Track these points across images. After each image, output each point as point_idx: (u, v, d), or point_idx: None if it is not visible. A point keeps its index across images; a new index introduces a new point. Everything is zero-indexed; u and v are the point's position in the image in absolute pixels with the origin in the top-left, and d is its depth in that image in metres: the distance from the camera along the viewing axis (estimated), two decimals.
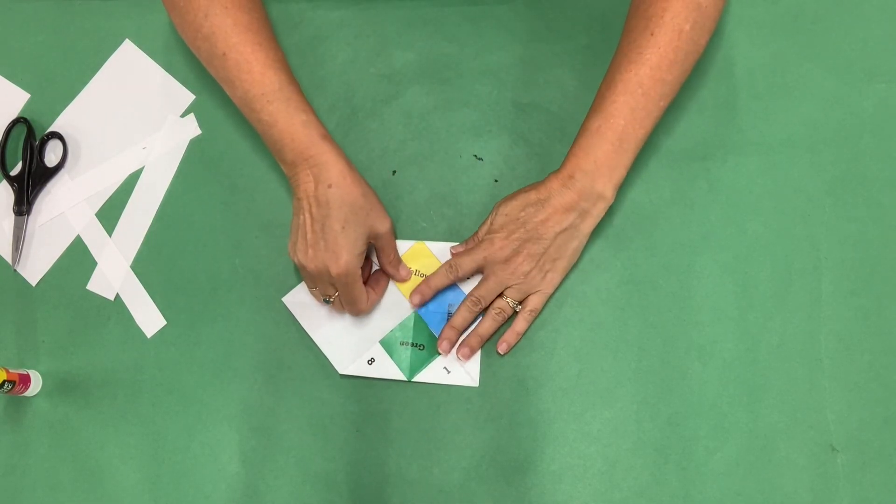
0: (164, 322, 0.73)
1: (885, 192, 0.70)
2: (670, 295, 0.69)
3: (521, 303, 0.69)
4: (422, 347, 0.70)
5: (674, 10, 0.63)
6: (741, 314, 0.68)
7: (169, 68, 0.79)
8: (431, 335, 0.70)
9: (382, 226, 0.67)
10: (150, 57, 0.79)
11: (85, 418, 0.72)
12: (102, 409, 0.72)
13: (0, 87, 0.80)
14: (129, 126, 0.78)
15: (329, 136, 0.66)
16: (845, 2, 0.74)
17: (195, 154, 0.77)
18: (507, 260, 0.66)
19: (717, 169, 0.71)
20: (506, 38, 0.76)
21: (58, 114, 0.79)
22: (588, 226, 0.66)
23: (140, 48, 0.80)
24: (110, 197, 0.77)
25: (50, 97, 0.80)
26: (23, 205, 0.76)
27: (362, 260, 0.66)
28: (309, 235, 0.64)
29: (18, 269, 0.76)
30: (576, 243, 0.67)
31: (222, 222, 0.75)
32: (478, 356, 0.69)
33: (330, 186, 0.63)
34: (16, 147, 0.78)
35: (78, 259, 0.76)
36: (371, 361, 0.70)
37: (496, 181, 0.73)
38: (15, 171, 0.78)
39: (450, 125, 0.75)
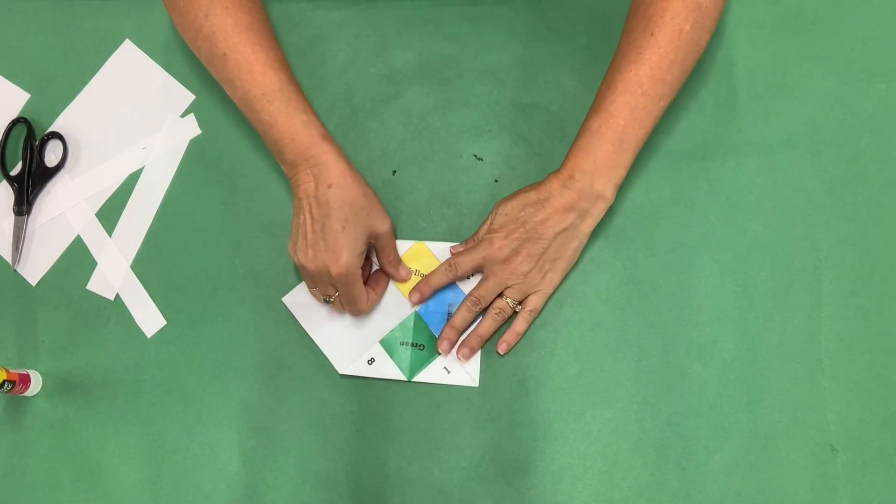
0: (164, 322, 0.73)
1: (885, 192, 0.70)
2: (670, 295, 0.69)
3: (520, 303, 0.69)
4: (422, 347, 0.70)
5: (674, 10, 0.63)
6: (741, 314, 0.68)
7: (169, 68, 0.79)
8: (431, 335, 0.70)
9: (382, 226, 0.67)
10: (150, 57, 0.80)
11: (85, 418, 0.72)
12: (102, 409, 0.72)
13: (0, 87, 0.80)
14: (129, 126, 0.78)
15: (329, 137, 0.66)
16: (845, 2, 0.74)
17: (195, 154, 0.77)
18: (506, 260, 0.66)
19: (717, 169, 0.71)
20: (506, 38, 0.76)
21: (58, 114, 0.79)
22: (588, 226, 0.66)
23: (140, 48, 0.80)
24: (110, 197, 0.77)
25: (50, 97, 0.80)
26: (23, 205, 0.76)
27: (362, 260, 0.66)
28: (309, 235, 0.64)
29: (18, 269, 0.76)
30: (575, 243, 0.67)
31: (222, 222, 0.75)
32: (478, 356, 0.69)
33: (330, 186, 0.63)
34: (16, 147, 0.78)
35: (78, 259, 0.76)
36: (371, 361, 0.70)
37: (496, 181, 0.73)
38: (15, 171, 0.78)
39: (450, 125, 0.75)
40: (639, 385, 0.68)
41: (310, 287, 0.69)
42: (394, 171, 0.74)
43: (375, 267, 0.72)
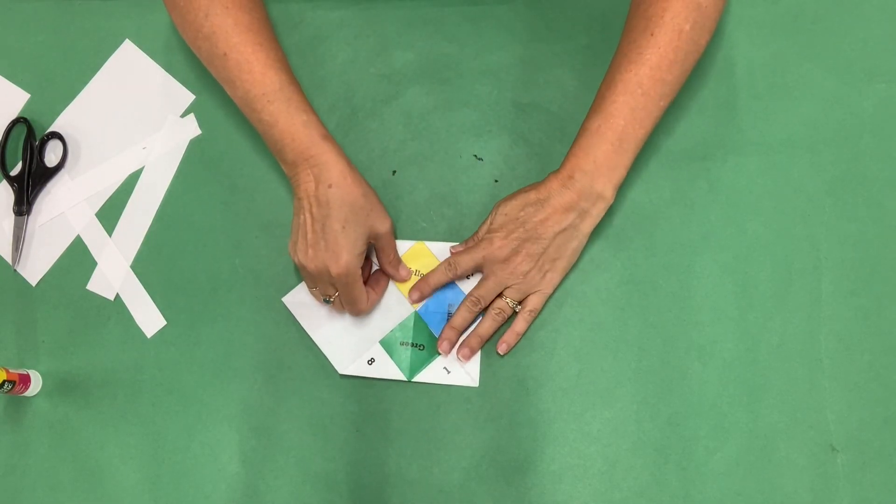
0: (164, 322, 0.73)
1: (885, 192, 0.70)
2: (670, 295, 0.69)
3: (520, 303, 0.69)
4: (422, 347, 0.70)
5: (674, 10, 0.63)
6: (741, 314, 0.68)
7: (169, 68, 0.79)
8: (431, 335, 0.70)
9: (382, 226, 0.67)
10: (150, 57, 0.80)
11: (85, 418, 0.72)
12: (102, 409, 0.72)
13: (0, 87, 0.80)
14: (129, 126, 0.78)
15: (330, 136, 0.66)
16: (845, 2, 0.74)
17: (195, 154, 0.77)
18: (506, 259, 0.66)
19: (717, 169, 0.71)
20: (506, 38, 0.76)
21: (58, 114, 0.79)
22: (588, 226, 0.66)
23: (140, 48, 0.80)
24: (110, 197, 0.77)
25: (50, 97, 0.80)
26: (23, 205, 0.76)
27: (362, 260, 0.66)
28: (309, 235, 0.64)
29: (18, 269, 0.76)
30: (575, 243, 0.67)
31: (222, 222, 0.75)
32: (478, 356, 0.69)
33: (330, 186, 0.63)
34: (16, 147, 0.78)
35: (78, 259, 0.76)
36: (371, 361, 0.70)
37: (496, 181, 0.73)
38: (15, 171, 0.78)
39: (450, 125, 0.75)
40: (639, 385, 0.68)
41: (310, 287, 0.69)
42: (394, 171, 0.74)
43: (375, 267, 0.72)
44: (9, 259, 0.76)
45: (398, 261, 0.71)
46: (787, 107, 0.72)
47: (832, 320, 0.68)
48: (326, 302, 0.68)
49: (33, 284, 0.75)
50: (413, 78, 0.76)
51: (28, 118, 0.78)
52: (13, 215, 0.76)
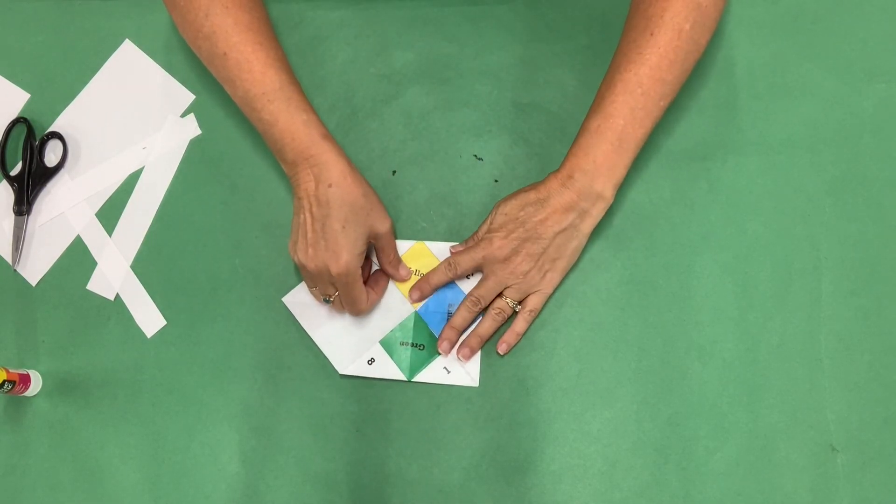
0: (164, 322, 0.73)
1: (885, 192, 0.70)
2: (670, 295, 0.69)
3: (520, 303, 0.69)
4: (422, 347, 0.70)
5: (674, 9, 0.63)
6: (741, 314, 0.68)
7: (169, 68, 0.79)
8: (431, 335, 0.70)
9: (383, 226, 0.67)
10: (150, 57, 0.80)
11: (85, 418, 0.72)
12: (102, 409, 0.72)
13: (0, 87, 0.80)
14: (129, 126, 0.78)
15: (330, 136, 0.66)
16: (845, 2, 0.74)
17: (195, 154, 0.77)
18: (506, 259, 0.66)
19: (717, 169, 0.71)
20: (506, 38, 0.76)
21: (58, 114, 0.79)
22: (587, 226, 0.66)
23: (140, 48, 0.80)
24: (110, 197, 0.77)
25: (50, 97, 0.80)
26: (23, 205, 0.76)
27: (362, 260, 0.66)
28: (309, 235, 0.64)
29: (18, 269, 0.76)
30: (575, 243, 0.67)
31: (222, 222, 0.75)
32: (478, 356, 0.69)
33: (330, 186, 0.63)
34: (16, 147, 0.78)
35: (78, 259, 0.76)
36: (371, 361, 0.70)
37: (496, 181, 0.73)
38: (15, 171, 0.78)
39: (450, 125, 0.75)
40: (639, 385, 0.68)
41: (310, 287, 0.69)
42: (394, 171, 0.74)
43: (375, 267, 0.72)
44: (9, 259, 0.76)
45: (398, 261, 0.71)
46: (787, 107, 0.72)
47: (832, 320, 0.68)
48: (326, 302, 0.68)
49: (33, 284, 0.75)
50: (413, 78, 0.76)
51: (28, 118, 0.78)
52: (13, 215, 0.76)
